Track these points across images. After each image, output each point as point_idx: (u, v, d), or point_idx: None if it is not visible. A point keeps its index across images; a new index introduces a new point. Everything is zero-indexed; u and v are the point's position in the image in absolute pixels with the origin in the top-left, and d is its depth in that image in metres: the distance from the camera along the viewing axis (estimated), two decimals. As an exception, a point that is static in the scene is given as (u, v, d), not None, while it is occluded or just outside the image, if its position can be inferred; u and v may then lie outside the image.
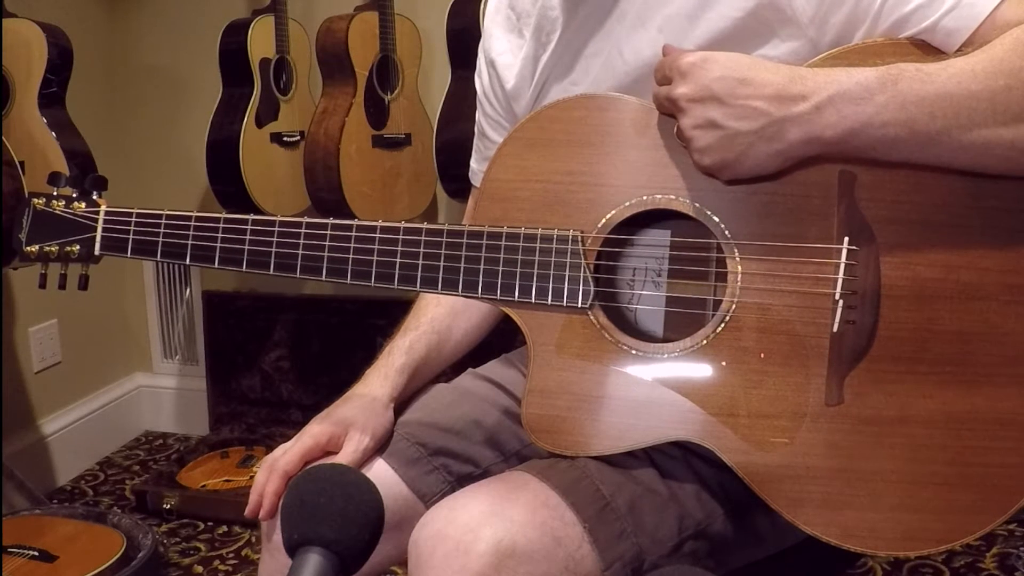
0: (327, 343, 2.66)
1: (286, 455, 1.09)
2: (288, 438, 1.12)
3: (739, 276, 0.95)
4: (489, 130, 1.25)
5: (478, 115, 1.27)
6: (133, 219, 1.09)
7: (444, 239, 1.01)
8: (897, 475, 0.92)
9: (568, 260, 0.99)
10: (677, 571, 0.92)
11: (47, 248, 1.12)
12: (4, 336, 2.42)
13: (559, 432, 1.00)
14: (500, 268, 1.00)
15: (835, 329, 0.92)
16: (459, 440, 1.14)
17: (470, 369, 1.28)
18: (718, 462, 0.96)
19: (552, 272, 0.99)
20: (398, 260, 1.02)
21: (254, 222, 1.05)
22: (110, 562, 1.89)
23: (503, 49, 1.19)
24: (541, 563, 0.90)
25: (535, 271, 0.99)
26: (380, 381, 1.16)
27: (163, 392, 2.98)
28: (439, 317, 1.23)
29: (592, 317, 0.99)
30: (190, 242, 1.07)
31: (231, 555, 2.24)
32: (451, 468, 1.13)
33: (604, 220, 0.99)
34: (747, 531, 1.05)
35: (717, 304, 0.97)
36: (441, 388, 1.24)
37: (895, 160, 0.90)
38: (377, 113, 2.33)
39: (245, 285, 2.77)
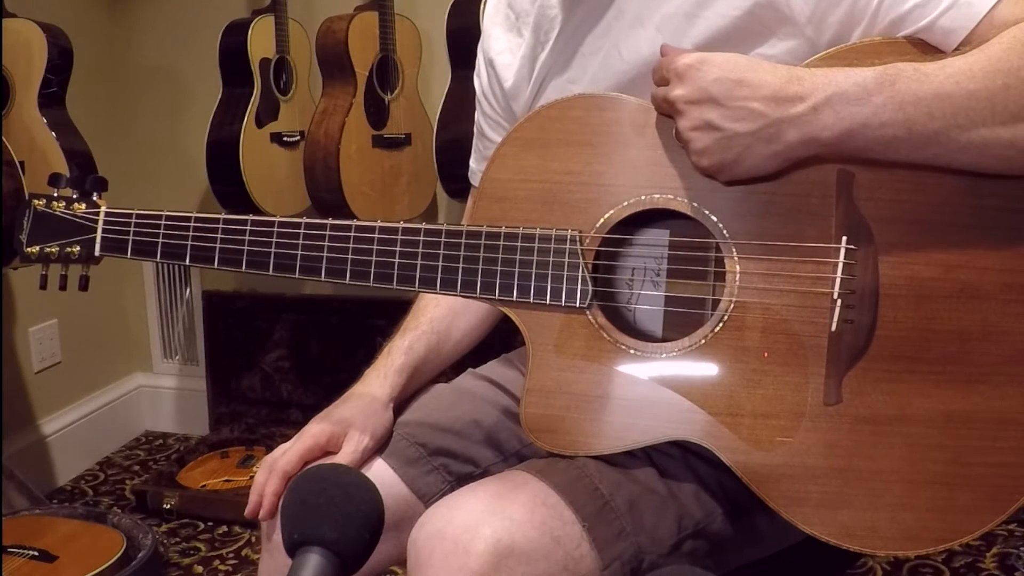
0: (327, 343, 2.66)
1: (286, 455, 1.09)
2: (288, 438, 1.12)
3: (737, 276, 0.96)
4: (488, 130, 1.25)
5: (477, 115, 1.27)
6: (133, 220, 1.09)
7: (443, 239, 1.01)
8: (896, 474, 0.92)
9: (567, 260, 0.99)
10: (676, 571, 0.92)
11: (48, 249, 1.12)
12: (4, 336, 2.42)
13: (558, 432, 1.00)
14: (498, 268, 1.00)
15: (833, 328, 0.92)
16: (459, 440, 1.14)
17: (470, 369, 1.28)
18: (717, 461, 0.96)
19: (551, 272, 0.99)
20: (397, 260, 1.02)
21: (253, 222, 1.05)
22: (110, 562, 1.89)
23: (502, 48, 1.20)
24: (540, 562, 0.90)
25: (533, 271, 0.99)
26: (379, 381, 1.17)
27: (163, 392, 2.98)
28: (438, 317, 1.23)
29: (591, 317, 0.99)
30: (190, 243, 1.07)
31: (231, 555, 2.25)
32: (451, 468, 1.13)
33: (602, 220, 0.99)
34: (746, 531, 1.05)
35: (716, 304, 0.97)
36: (441, 388, 1.24)
37: (893, 160, 0.90)
38: (377, 113, 2.33)
39: (245, 285, 2.77)
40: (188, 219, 1.07)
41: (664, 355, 0.98)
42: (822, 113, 0.87)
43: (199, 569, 2.19)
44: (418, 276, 1.02)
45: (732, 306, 0.96)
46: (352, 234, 1.03)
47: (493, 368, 1.27)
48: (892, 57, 0.89)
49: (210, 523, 2.37)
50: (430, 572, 0.91)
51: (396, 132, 2.35)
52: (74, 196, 1.12)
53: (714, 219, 0.96)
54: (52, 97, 2.14)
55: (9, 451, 2.37)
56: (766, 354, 0.95)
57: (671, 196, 0.97)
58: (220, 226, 1.06)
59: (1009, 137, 0.86)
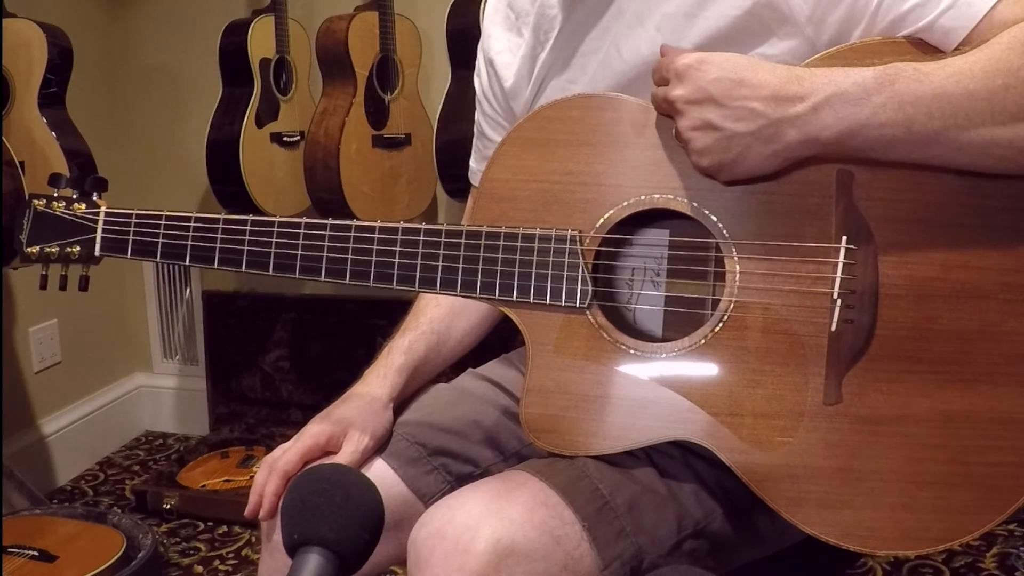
0: (327, 343, 2.66)
1: (285, 455, 1.09)
2: (288, 438, 1.12)
3: (737, 276, 0.96)
4: (488, 130, 1.25)
5: (477, 115, 1.27)
6: (133, 220, 1.09)
7: (442, 239, 1.01)
8: (895, 474, 0.92)
9: (566, 260, 0.99)
10: (676, 571, 0.92)
11: (48, 249, 1.12)
12: (4, 336, 2.42)
13: (558, 432, 1.00)
14: (498, 268, 1.00)
15: (833, 328, 0.92)
16: (458, 440, 1.14)
17: (470, 369, 1.28)
18: (717, 461, 0.96)
19: (550, 272, 0.99)
20: (396, 260, 1.02)
21: (253, 223, 1.05)
22: (110, 562, 1.89)
23: (502, 48, 1.20)
24: (540, 562, 0.90)
25: (533, 271, 0.99)
26: (379, 381, 1.17)
27: (163, 392, 2.98)
28: (438, 317, 1.23)
29: (590, 317, 0.99)
30: (189, 243, 1.07)
31: (231, 555, 2.25)
32: (451, 468, 1.13)
33: (602, 220, 0.99)
34: (747, 531, 1.05)
35: (716, 304, 0.97)
36: (440, 388, 1.24)
37: (893, 160, 0.90)
38: (377, 113, 2.33)
39: (245, 285, 2.77)
40: (188, 219, 1.07)
41: (664, 355, 0.98)
42: (822, 113, 0.87)
43: (199, 569, 2.19)
44: (418, 276, 1.02)
45: (732, 306, 0.96)
46: (352, 234, 1.03)
47: (493, 368, 1.27)
48: (892, 57, 0.89)
49: (210, 523, 2.37)
50: (430, 572, 0.91)
51: (396, 132, 2.35)
52: (74, 196, 1.12)
53: (714, 219, 0.96)
54: (52, 97, 2.14)
55: (9, 451, 2.37)
56: (761, 354, 0.95)
57: (671, 196, 0.97)
58: (220, 226, 1.06)
59: (1009, 137, 0.86)
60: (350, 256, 1.03)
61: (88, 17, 2.68)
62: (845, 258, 0.92)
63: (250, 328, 2.73)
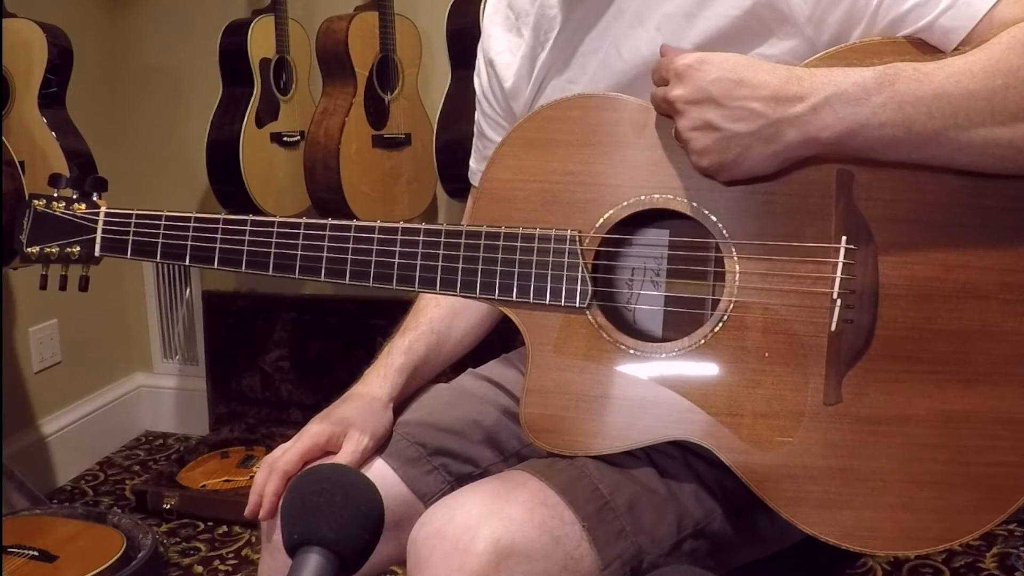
0: (327, 343, 2.66)
1: (286, 455, 1.09)
2: (288, 438, 1.12)
3: (737, 276, 0.96)
4: (488, 130, 1.25)
5: (477, 115, 1.27)
6: (133, 220, 1.09)
7: (442, 239, 1.02)
8: (895, 474, 0.92)
9: (566, 260, 0.99)
10: (676, 571, 0.92)
11: (48, 249, 1.12)
12: (4, 336, 2.42)
13: (558, 432, 1.00)
14: (498, 268, 1.00)
15: (833, 328, 0.92)
16: (458, 440, 1.14)
17: (470, 369, 1.28)
18: (717, 461, 0.96)
19: (550, 272, 0.99)
20: (396, 260, 1.02)
21: (253, 223, 1.05)
22: (110, 562, 1.89)
23: (502, 48, 1.20)
24: (540, 562, 0.90)
25: (533, 271, 0.99)
26: (379, 381, 1.17)
27: (163, 392, 2.98)
28: (438, 317, 1.23)
29: (590, 317, 0.99)
30: (189, 243, 1.07)
31: (231, 555, 2.25)
32: (450, 468, 1.13)
33: (602, 220, 0.99)
34: (747, 530, 1.05)
35: (716, 304, 0.97)
36: (440, 388, 1.24)
37: (893, 160, 0.90)
38: (377, 113, 2.33)
39: (245, 285, 2.77)
40: (188, 219, 1.07)
41: (664, 355, 0.98)
42: (822, 113, 0.87)
43: (199, 569, 2.19)
44: (418, 276, 1.02)
45: (732, 306, 0.96)
46: (352, 234, 1.03)
47: (493, 368, 1.27)
48: (892, 57, 0.89)
49: (210, 523, 2.37)
50: (430, 572, 0.91)
51: (396, 132, 2.35)
52: (74, 196, 1.13)
53: (713, 219, 0.96)
54: (52, 97, 2.14)
55: (9, 451, 2.37)
56: (766, 354, 0.95)
57: (671, 196, 0.97)
58: (220, 226, 1.06)
59: (1008, 137, 0.86)
60: (350, 256, 1.03)
61: (88, 17, 2.68)
62: (845, 258, 0.92)
63: (250, 328, 2.73)
